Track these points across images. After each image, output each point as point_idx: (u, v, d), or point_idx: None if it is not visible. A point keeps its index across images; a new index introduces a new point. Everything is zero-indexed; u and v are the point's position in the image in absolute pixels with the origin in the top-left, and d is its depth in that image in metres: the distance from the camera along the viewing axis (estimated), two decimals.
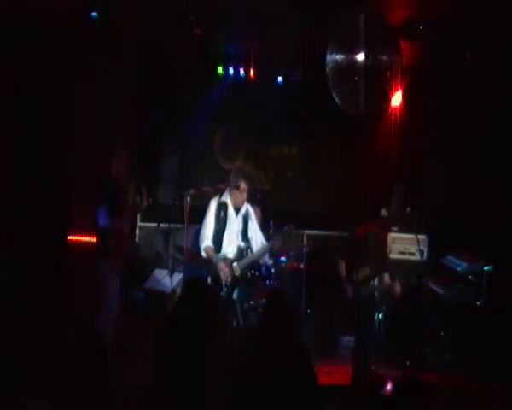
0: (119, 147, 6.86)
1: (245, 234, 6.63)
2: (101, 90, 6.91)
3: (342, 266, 6.74)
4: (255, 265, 7.16)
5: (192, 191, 6.89)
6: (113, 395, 3.54)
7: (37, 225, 6.42)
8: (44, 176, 6.51)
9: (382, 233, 7.14)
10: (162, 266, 7.79)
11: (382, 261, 6.81)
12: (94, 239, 6.42)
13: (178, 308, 4.07)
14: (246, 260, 6.55)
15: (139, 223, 8.57)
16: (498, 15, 6.83)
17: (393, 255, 7.74)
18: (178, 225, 7.17)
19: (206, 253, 6.53)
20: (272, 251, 7.08)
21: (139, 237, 8.55)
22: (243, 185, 6.61)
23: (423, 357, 7.04)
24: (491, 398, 6.03)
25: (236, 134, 9.31)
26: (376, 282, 6.66)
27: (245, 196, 6.64)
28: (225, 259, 6.48)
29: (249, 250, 6.62)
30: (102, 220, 6.35)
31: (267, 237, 7.01)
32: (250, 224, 6.69)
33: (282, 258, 7.85)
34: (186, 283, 5.02)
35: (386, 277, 6.67)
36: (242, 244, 6.58)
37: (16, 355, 4.39)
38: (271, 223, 7.67)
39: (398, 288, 6.64)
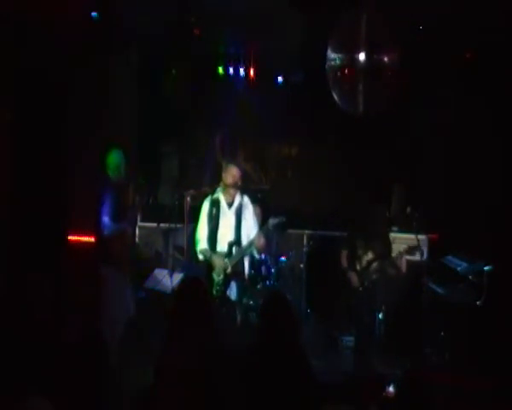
0: (118, 147, 6.85)
1: (238, 228, 6.48)
2: (101, 90, 6.91)
3: (344, 257, 6.66)
4: (255, 264, 7.15)
5: (192, 191, 6.87)
6: (113, 394, 3.55)
7: (37, 225, 6.41)
8: (44, 176, 6.51)
9: (382, 214, 7.04)
10: (162, 266, 7.79)
11: (385, 244, 6.74)
12: (93, 239, 6.41)
13: (171, 309, 4.09)
14: (235, 257, 6.40)
15: (139, 223, 8.57)
16: (498, 15, 6.84)
17: (393, 256, 7.73)
18: (178, 225, 7.17)
19: (202, 254, 6.51)
20: (260, 248, 6.63)
21: (139, 237, 8.55)
22: (231, 167, 6.50)
23: (423, 357, 7.04)
24: (491, 398, 6.03)
25: (236, 134, 9.31)
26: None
27: (236, 178, 6.44)
28: (218, 255, 6.43)
29: (238, 245, 6.44)
30: (105, 223, 6.36)
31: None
32: (243, 217, 6.51)
33: (282, 258, 7.84)
34: (178, 285, 5.04)
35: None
36: (231, 239, 6.44)
37: (16, 354, 4.40)
38: None
39: (403, 263, 6.56)
